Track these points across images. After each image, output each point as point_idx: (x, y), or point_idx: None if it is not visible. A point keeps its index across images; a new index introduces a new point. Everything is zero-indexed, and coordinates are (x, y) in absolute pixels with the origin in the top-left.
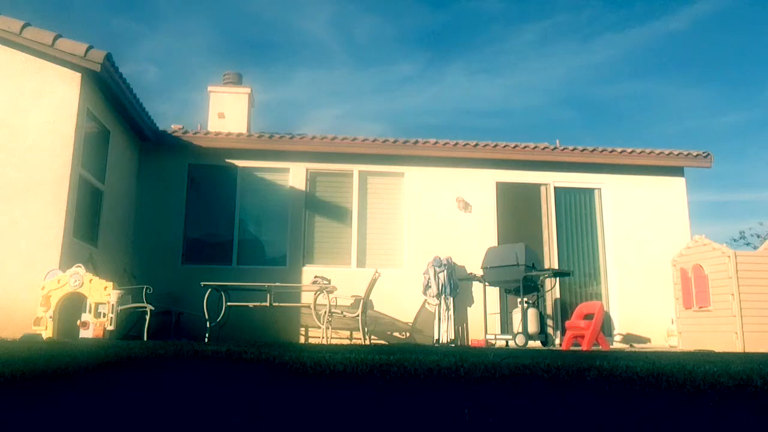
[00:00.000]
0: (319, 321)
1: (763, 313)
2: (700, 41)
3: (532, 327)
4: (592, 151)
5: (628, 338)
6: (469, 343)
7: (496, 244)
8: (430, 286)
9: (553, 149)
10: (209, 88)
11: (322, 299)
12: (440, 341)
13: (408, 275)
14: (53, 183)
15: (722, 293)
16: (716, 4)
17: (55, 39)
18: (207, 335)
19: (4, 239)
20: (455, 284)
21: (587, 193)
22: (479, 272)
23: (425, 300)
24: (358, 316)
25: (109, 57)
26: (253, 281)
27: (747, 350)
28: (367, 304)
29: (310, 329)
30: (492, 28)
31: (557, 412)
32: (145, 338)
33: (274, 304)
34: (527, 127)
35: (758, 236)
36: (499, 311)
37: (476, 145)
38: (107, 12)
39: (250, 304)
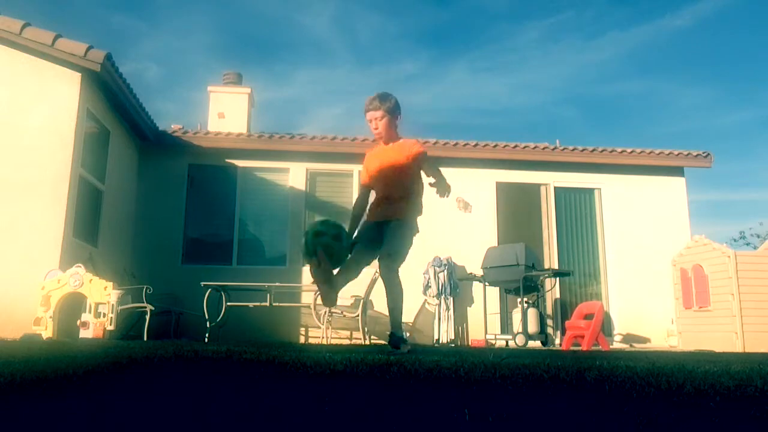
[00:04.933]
0: (319, 321)
1: (763, 313)
2: (703, 40)
3: (532, 327)
4: (592, 151)
5: (628, 338)
6: (469, 343)
7: (496, 244)
8: (430, 286)
9: (553, 149)
10: (209, 88)
11: None
12: (440, 341)
13: (408, 275)
14: (53, 183)
15: (722, 293)
16: (720, 3)
17: (54, 39)
18: (207, 335)
19: (4, 239)
20: (455, 284)
21: (587, 193)
22: (479, 272)
23: (425, 300)
24: (358, 316)
25: (109, 57)
26: (253, 281)
27: (747, 350)
28: (367, 304)
29: (310, 329)
30: (496, 26)
31: (557, 412)
32: (145, 338)
33: (274, 304)
34: (530, 125)
35: (758, 236)
36: (499, 311)
37: (476, 145)
38: (108, 10)
39: (250, 304)
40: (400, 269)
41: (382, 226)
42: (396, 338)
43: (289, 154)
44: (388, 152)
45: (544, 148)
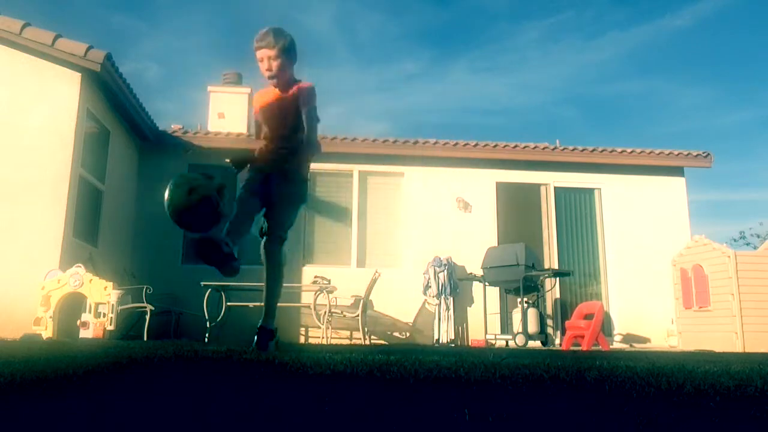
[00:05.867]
0: (319, 321)
1: (763, 313)
2: (703, 40)
3: (532, 327)
4: (592, 151)
5: (628, 338)
6: (469, 343)
7: (496, 244)
8: (430, 286)
9: (553, 149)
10: (209, 88)
11: (322, 299)
12: (440, 341)
13: (408, 275)
14: (53, 183)
15: (722, 293)
16: (720, 3)
17: (54, 39)
18: (207, 335)
19: (4, 239)
20: (455, 284)
21: (587, 193)
22: (479, 272)
23: (425, 300)
24: (358, 316)
25: (108, 57)
26: (253, 281)
27: (747, 350)
28: (367, 304)
29: (310, 329)
30: (496, 26)
31: (557, 412)
32: (145, 338)
33: None
34: (530, 125)
35: (758, 236)
36: (499, 311)
37: (476, 145)
38: (108, 10)
39: (250, 304)
40: (402, 269)
41: (268, 179)
42: (267, 333)
43: None
44: (277, 92)
45: (544, 148)
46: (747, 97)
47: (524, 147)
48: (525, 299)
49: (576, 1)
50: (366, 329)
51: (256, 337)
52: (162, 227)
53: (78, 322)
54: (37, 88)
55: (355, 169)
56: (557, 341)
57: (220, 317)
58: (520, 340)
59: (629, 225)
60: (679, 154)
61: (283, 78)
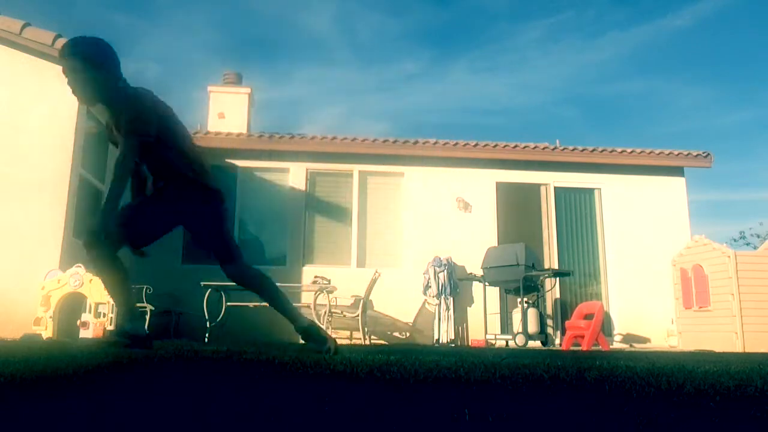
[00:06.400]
0: (319, 321)
1: (763, 313)
2: (703, 40)
3: (532, 327)
4: (592, 151)
5: (628, 338)
6: (469, 343)
7: (496, 244)
8: (430, 286)
9: (553, 149)
10: (209, 88)
11: (322, 299)
12: (440, 341)
13: (408, 275)
14: (53, 183)
15: (722, 293)
16: (720, 3)
17: (54, 39)
18: (207, 335)
19: (4, 239)
20: (455, 284)
21: (587, 193)
22: (479, 272)
23: (425, 300)
24: (358, 316)
25: None
26: None
27: (747, 350)
28: (367, 304)
29: None
30: (496, 26)
31: (557, 412)
32: None
33: None
34: (530, 125)
35: (758, 236)
36: (499, 311)
37: (476, 145)
38: (108, 10)
39: (250, 304)
40: (402, 269)
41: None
42: (312, 330)
43: (289, 154)
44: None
45: (544, 148)
46: (747, 97)
47: (524, 147)
48: (525, 299)
49: (576, 1)
50: (366, 329)
51: (306, 342)
52: None
53: (78, 322)
54: (37, 88)
55: (355, 169)
56: (557, 341)
57: (220, 317)
58: (520, 340)
59: (629, 225)
60: (679, 154)
61: (96, 97)
